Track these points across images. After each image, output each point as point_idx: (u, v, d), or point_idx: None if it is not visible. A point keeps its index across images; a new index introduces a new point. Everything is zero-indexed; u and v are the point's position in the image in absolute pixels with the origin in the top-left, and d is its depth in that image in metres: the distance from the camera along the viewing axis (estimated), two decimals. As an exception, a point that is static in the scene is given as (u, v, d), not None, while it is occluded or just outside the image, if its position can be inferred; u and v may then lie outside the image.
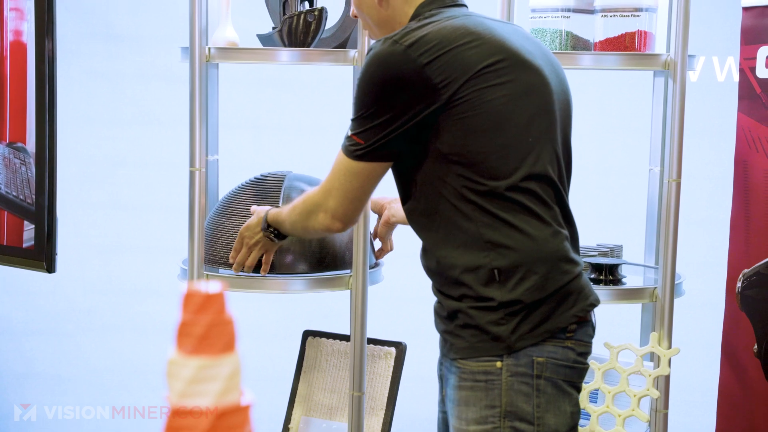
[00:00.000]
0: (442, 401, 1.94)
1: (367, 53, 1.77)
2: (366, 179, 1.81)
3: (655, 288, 2.47)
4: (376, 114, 1.74)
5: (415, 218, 1.84)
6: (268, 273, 2.33)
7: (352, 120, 1.78)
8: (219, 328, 0.95)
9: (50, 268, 2.42)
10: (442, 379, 1.91)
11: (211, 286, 0.96)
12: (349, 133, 1.78)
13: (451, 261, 1.76)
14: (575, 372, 1.78)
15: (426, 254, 1.85)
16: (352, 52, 2.45)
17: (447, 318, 1.82)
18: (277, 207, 2.17)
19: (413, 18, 1.83)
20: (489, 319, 1.74)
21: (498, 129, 1.71)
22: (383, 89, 1.73)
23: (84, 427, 3.41)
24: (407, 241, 3.21)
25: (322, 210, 1.85)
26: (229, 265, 2.32)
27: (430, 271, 1.86)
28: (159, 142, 3.47)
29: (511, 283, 1.73)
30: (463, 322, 1.77)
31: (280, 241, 2.13)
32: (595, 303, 1.81)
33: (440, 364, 1.91)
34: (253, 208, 2.21)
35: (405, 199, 1.85)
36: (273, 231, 2.09)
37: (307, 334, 2.69)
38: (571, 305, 1.77)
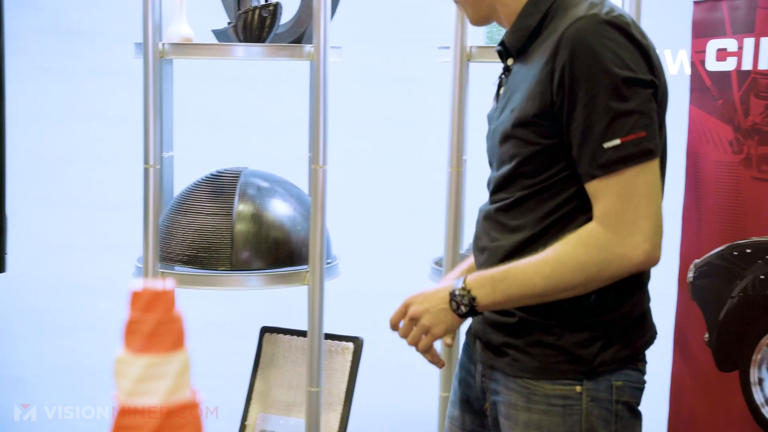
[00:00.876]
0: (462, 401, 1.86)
1: (571, 29, 1.55)
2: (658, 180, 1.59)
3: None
4: (637, 98, 1.55)
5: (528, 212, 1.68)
6: (225, 270, 2.33)
7: (618, 116, 1.53)
8: (167, 326, 0.95)
9: (1, 268, 2.39)
10: (472, 383, 1.82)
11: (158, 283, 0.95)
12: (617, 141, 1.53)
13: None
14: (643, 393, 1.73)
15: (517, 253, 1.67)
16: (307, 48, 2.45)
17: (513, 330, 1.69)
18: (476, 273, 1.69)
19: None
20: (573, 341, 1.64)
21: None
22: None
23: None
24: (365, 235, 3.22)
25: (628, 247, 1.55)
26: (184, 262, 2.32)
27: None
28: (113, 139, 3.45)
29: (606, 305, 1.65)
30: (537, 339, 1.66)
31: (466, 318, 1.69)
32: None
33: (481, 373, 1.78)
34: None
35: (527, 197, 1.67)
36: (470, 300, 1.65)
37: (264, 331, 2.69)
38: (648, 329, 1.73)
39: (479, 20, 1.80)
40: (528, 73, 1.65)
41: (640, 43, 1.57)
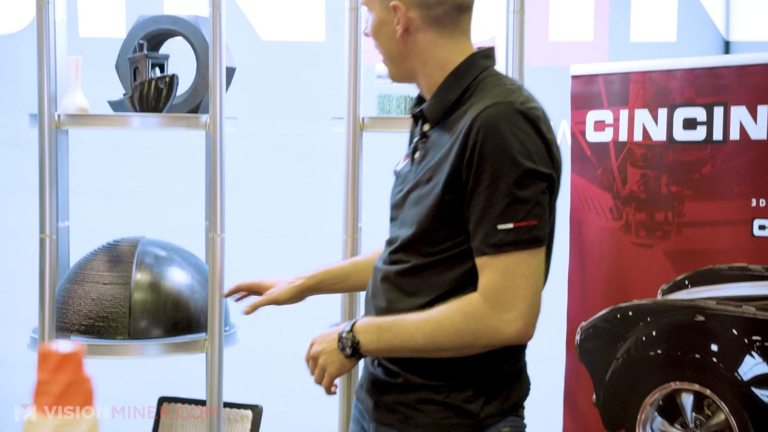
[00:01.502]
0: None
1: (486, 112, 1.63)
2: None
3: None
4: (538, 188, 1.65)
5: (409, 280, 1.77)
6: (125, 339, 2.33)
7: (515, 202, 1.62)
8: (77, 386, 0.97)
9: None
10: None
11: (67, 345, 0.98)
12: (510, 225, 1.63)
13: None
14: None
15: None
16: (204, 117, 2.50)
17: (402, 387, 1.78)
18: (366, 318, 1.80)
19: (464, 68, 1.76)
20: (460, 398, 1.73)
21: None
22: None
23: None
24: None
25: (503, 323, 1.65)
26: (81, 331, 2.31)
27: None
28: (8, 210, 3.41)
29: (488, 365, 1.74)
30: (425, 397, 1.75)
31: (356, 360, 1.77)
32: None
33: (374, 430, 1.84)
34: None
35: (427, 266, 1.75)
36: (352, 341, 1.75)
37: (162, 400, 2.68)
38: (525, 380, 1.84)
39: (398, 79, 1.88)
40: (443, 144, 1.73)
41: (545, 136, 1.67)
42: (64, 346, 0.98)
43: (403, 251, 1.79)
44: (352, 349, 1.74)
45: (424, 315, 1.70)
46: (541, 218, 1.66)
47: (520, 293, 1.65)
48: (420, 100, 1.89)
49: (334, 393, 1.84)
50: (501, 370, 1.77)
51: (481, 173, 1.64)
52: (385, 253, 1.86)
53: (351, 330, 1.74)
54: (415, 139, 1.85)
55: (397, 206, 1.85)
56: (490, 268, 1.65)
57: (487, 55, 1.80)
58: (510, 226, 1.63)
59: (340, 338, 1.75)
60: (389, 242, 1.86)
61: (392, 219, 1.88)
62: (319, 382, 1.80)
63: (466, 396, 1.74)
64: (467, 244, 1.71)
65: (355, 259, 2.22)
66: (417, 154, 1.82)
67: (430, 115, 1.79)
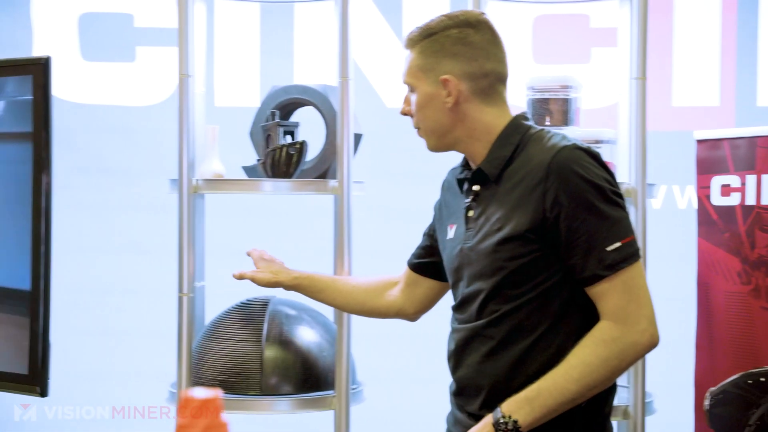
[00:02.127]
0: None
1: (558, 157, 1.80)
2: None
3: (627, 406, 2.57)
4: (621, 206, 1.83)
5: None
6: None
7: (613, 224, 1.78)
8: (214, 430, 1.04)
9: (44, 392, 2.48)
10: None
11: (205, 391, 1.05)
12: (618, 244, 1.77)
13: None
14: None
15: None
16: (332, 182, 2.59)
17: None
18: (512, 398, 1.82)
19: (512, 128, 1.92)
20: None
21: None
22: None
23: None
24: (389, 361, 3.29)
25: (637, 334, 1.77)
26: (216, 386, 2.40)
27: None
28: (147, 270, 3.57)
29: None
30: None
31: None
32: None
33: None
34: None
35: (515, 309, 1.86)
36: (515, 424, 1.79)
37: (290, 456, 2.74)
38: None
39: (439, 149, 2.01)
40: (508, 195, 1.87)
41: (607, 167, 1.86)
42: (203, 392, 1.05)
43: (490, 302, 1.88)
44: (513, 430, 1.78)
45: (563, 365, 1.78)
46: (634, 233, 1.82)
47: (641, 302, 1.78)
48: (466, 164, 2.02)
49: None
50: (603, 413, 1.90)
51: (573, 209, 1.78)
52: (463, 315, 1.94)
53: (503, 414, 1.79)
54: (466, 201, 1.97)
55: (461, 267, 1.95)
56: (609, 291, 1.78)
57: (525, 117, 1.97)
58: (618, 245, 1.77)
59: (497, 426, 1.79)
60: (464, 302, 1.95)
61: (456, 282, 1.99)
62: None
63: None
64: (550, 281, 1.83)
65: (338, 278, 2.43)
66: (471, 213, 1.95)
67: (491, 171, 1.92)
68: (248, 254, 2.46)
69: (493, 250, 1.86)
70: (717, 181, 2.65)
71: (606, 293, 1.78)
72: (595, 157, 1.84)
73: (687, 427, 2.75)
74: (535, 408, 1.77)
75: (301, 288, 2.36)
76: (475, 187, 1.96)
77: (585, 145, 1.86)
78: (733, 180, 2.61)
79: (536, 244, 1.82)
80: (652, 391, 2.68)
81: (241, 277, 2.40)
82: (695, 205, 2.75)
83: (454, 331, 1.98)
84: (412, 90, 1.97)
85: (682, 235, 3.26)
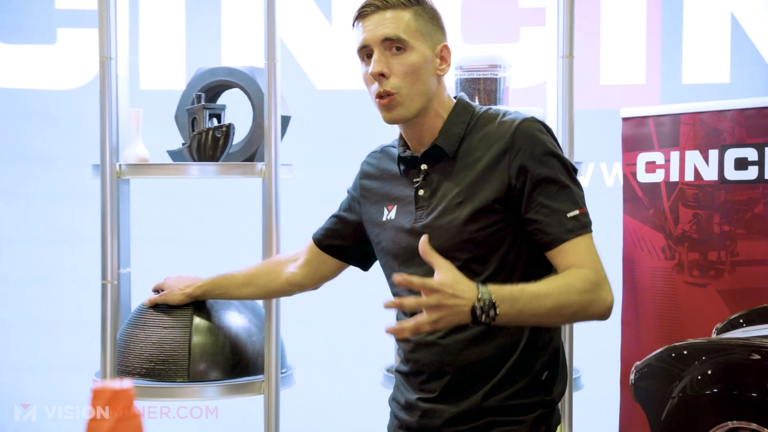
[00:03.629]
0: None
1: (521, 127, 1.84)
2: None
3: (555, 383, 2.59)
4: (577, 180, 1.87)
5: None
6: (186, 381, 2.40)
7: (572, 192, 1.83)
8: (127, 422, 1.02)
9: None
10: None
11: (117, 382, 1.03)
12: (576, 212, 1.81)
13: None
14: None
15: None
16: (259, 165, 2.57)
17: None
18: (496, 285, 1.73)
19: (462, 107, 1.95)
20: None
21: None
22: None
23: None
24: (319, 345, 3.29)
25: (604, 291, 1.79)
26: (142, 374, 2.37)
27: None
28: (72, 258, 3.51)
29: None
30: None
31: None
32: None
33: None
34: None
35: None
36: (494, 311, 1.68)
37: (221, 442, 2.72)
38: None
39: (410, 117, 1.93)
40: (468, 170, 1.88)
41: (557, 141, 1.92)
42: (115, 383, 1.03)
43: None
44: (491, 318, 1.67)
45: (547, 282, 1.76)
46: (587, 206, 1.85)
47: (602, 268, 1.81)
48: (405, 145, 2.00)
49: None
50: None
51: (537, 175, 1.82)
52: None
53: (492, 299, 1.67)
54: (416, 180, 1.95)
55: (411, 246, 1.89)
56: (572, 250, 1.80)
57: (466, 98, 2.01)
58: (576, 212, 1.82)
59: (480, 304, 1.66)
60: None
61: (406, 261, 1.93)
62: (417, 331, 1.67)
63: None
64: (511, 253, 1.86)
65: (235, 272, 2.40)
66: (422, 192, 1.93)
67: (448, 147, 1.93)
68: (157, 289, 2.49)
69: (461, 224, 1.86)
70: (642, 158, 2.68)
71: (569, 252, 1.80)
72: (550, 131, 1.90)
73: (613, 402, 2.79)
74: (515, 307, 1.69)
75: (208, 294, 2.42)
76: (423, 166, 1.95)
77: (541, 119, 1.92)
78: (658, 157, 2.64)
79: (501, 214, 1.85)
80: (579, 367, 2.71)
81: (152, 303, 2.46)
82: (622, 182, 2.78)
83: (408, 312, 1.89)
84: (400, 50, 1.89)
85: (610, 212, 3.30)
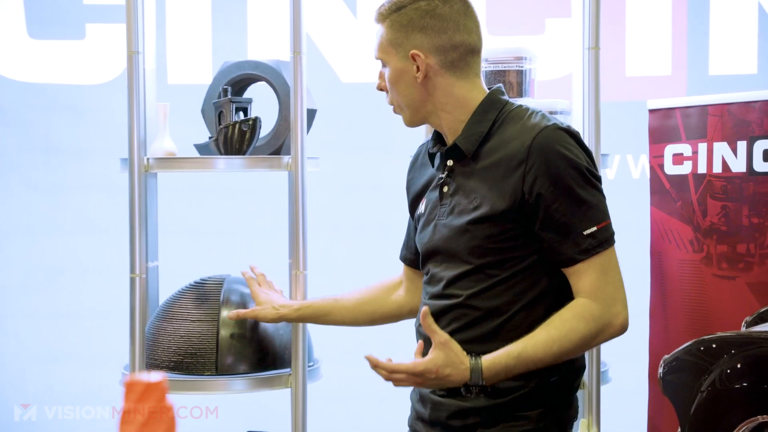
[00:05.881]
0: None
1: (539, 137, 1.80)
2: None
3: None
4: (599, 189, 1.84)
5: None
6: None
7: (590, 208, 1.80)
8: (159, 415, 1.03)
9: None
10: None
11: (151, 375, 1.04)
12: (594, 228, 1.79)
13: None
14: None
15: None
16: (285, 158, 2.57)
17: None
18: (491, 354, 1.80)
19: (489, 103, 1.91)
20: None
21: None
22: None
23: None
24: (346, 338, 3.30)
25: (612, 316, 1.80)
26: (170, 368, 2.39)
27: None
28: (99, 250, 3.54)
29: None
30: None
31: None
32: None
33: None
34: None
35: (493, 285, 1.86)
36: (481, 388, 1.83)
37: (249, 434, 2.74)
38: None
39: (415, 124, 1.99)
40: (486, 173, 1.86)
41: (586, 147, 1.86)
42: (148, 376, 1.04)
43: (464, 279, 1.87)
44: (478, 395, 1.83)
45: (545, 337, 1.79)
46: (609, 217, 1.83)
47: (617, 286, 1.81)
48: (438, 139, 1.99)
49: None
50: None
51: (552, 191, 1.78)
52: (435, 288, 1.93)
53: (484, 383, 1.79)
54: (441, 175, 1.95)
55: (434, 241, 1.94)
56: (586, 272, 1.80)
57: (501, 92, 1.96)
58: (594, 229, 1.79)
59: (468, 387, 1.82)
60: (436, 279, 1.93)
61: (430, 256, 1.96)
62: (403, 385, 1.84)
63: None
64: (528, 259, 1.84)
65: (338, 297, 2.29)
66: (446, 189, 1.93)
67: (467, 147, 1.90)
68: (245, 275, 2.40)
69: (465, 228, 1.85)
70: (669, 150, 2.66)
71: (582, 274, 1.80)
72: (575, 137, 1.84)
73: (642, 396, 2.78)
74: (509, 375, 1.80)
75: (305, 317, 2.31)
76: (449, 162, 1.94)
77: (565, 124, 1.86)
78: (685, 149, 2.63)
79: (512, 224, 1.82)
80: (607, 360, 2.70)
81: (239, 317, 2.34)
82: (648, 174, 2.77)
83: (423, 304, 1.96)
84: (384, 65, 1.96)
85: (636, 204, 3.29)
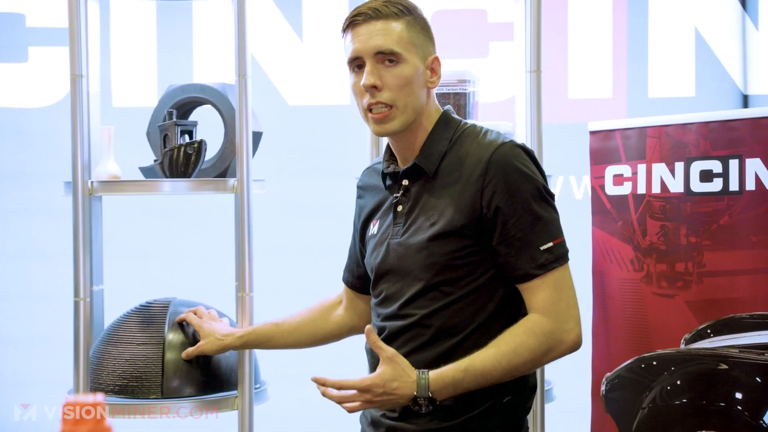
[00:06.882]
0: None
1: (497, 153, 1.81)
2: None
3: (527, 394, 2.61)
4: (553, 206, 1.86)
5: None
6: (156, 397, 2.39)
7: (546, 224, 1.81)
8: (100, 436, 1.03)
9: None
10: None
11: (89, 397, 1.04)
12: (550, 244, 1.80)
13: None
14: None
15: None
16: (231, 181, 2.58)
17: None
18: (438, 368, 1.81)
19: (444, 122, 1.92)
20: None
21: None
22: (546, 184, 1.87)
23: None
24: (292, 358, 3.30)
25: (565, 333, 1.81)
26: (115, 392, 2.38)
27: None
28: (44, 275, 3.50)
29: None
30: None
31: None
32: None
33: None
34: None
35: (450, 303, 1.86)
36: (430, 401, 1.80)
37: (195, 458, 2.72)
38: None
39: (401, 130, 1.92)
40: (444, 190, 1.86)
41: (540, 165, 1.89)
42: (86, 398, 1.03)
43: (421, 298, 1.87)
44: (428, 408, 1.80)
45: (494, 351, 1.79)
46: (563, 234, 1.84)
47: (570, 302, 1.82)
48: (390, 159, 1.99)
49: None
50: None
51: (509, 206, 1.79)
52: (389, 309, 1.92)
53: (430, 395, 1.79)
54: (396, 195, 1.95)
55: (386, 261, 1.93)
56: (540, 288, 1.80)
57: (453, 111, 1.98)
58: (550, 245, 1.81)
59: (417, 401, 1.80)
60: (390, 298, 1.93)
61: (382, 276, 1.96)
62: (355, 410, 1.84)
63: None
64: (484, 276, 1.84)
65: (279, 321, 2.29)
66: (401, 208, 1.93)
67: (427, 166, 1.90)
68: (181, 321, 2.44)
69: (424, 245, 1.85)
70: (610, 171, 2.72)
71: (537, 290, 1.81)
72: (531, 155, 1.87)
73: (585, 413, 2.82)
74: (458, 389, 1.79)
75: (248, 344, 2.34)
76: (405, 182, 1.95)
77: (521, 142, 1.89)
78: (625, 169, 2.68)
79: (470, 239, 1.83)
80: (551, 379, 2.74)
81: (188, 356, 2.38)
82: (590, 194, 2.81)
83: (376, 327, 1.95)
84: (393, 62, 1.88)
85: (579, 224, 3.34)
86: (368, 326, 1.84)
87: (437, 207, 1.87)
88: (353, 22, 1.90)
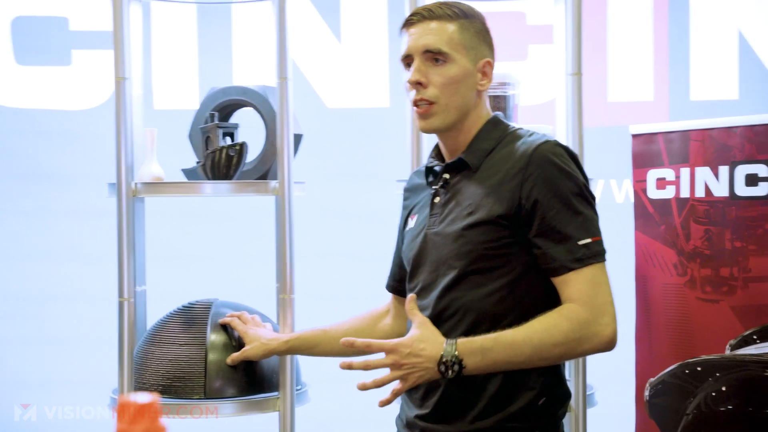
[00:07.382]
0: None
1: (540, 149, 1.84)
2: None
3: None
4: (593, 207, 1.87)
5: None
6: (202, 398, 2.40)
7: (586, 220, 1.82)
8: (155, 436, 1.04)
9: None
10: None
11: (143, 396, 1.05)
12: (588, 240, 1.81)
13: None
14: None
15: None
16: (272, 183, 2.59)
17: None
18: (466, 338, 1.81)
19: (493, 124, 1.96)
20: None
21: None
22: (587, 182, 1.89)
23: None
24: (334, 362, 3.31)
25: (600, 326, 1.78)
26: (159, 391, 2.39)
27: None
28: (88, 276, 3.54)
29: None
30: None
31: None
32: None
33: None
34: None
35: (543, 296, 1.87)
36: (459, 366, 1.78)
37: (236, 459, 2.73)
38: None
39: (444, 129, 1.97)
40: (484, 182, 1.89)
41: (582, 168, 1.91)
42: (140, 397, 1.04)
43: (455, 286, 1.88)
44: (456, 372, 1.77)
45: (527, 326, 1.78)
46: (601, 234, 1.84)
47: (607, 299, 1.80)
48: (437, 156, 2.03)
49: (389, 403, 1.85)
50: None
51: (549, 199, 1.81)
52: (426, 300, 1.93)
53: (457, 354, 1.77)
54: (433, 188, 1.99)
55: (422, 252, 1.96)
56: (576, 281, 1.79)
57: (502, 116, 2.03)
58: (589, 241, 1.81)
59: (443, 361, 1.77)
60: (426, 288, 1.94)
61: (418, 267, 1.98)
62: (380, 385, 1.82)
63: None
64: (519, 269, 1.85)
65: (327, 328, 2.30)
66: (438, 199, 1.96)
67: (472, 161, 1.94)
68: (225, 324, 2.45)
69: (460, 234, 1.87)
70: (652, 175, 2.70)
71: (573, 282, 1.80)
72: (574, 157, 1.89)
73: (628, 419, 2.80)
74: (486, 358, 1.77)
75: (294, 350, 2.34)
76: (446, 176, 1.98)
77: (565, 144, 1.92)
78: (668, 173, 2.66)
79: (507, 230, 1.84)
80: (593, 383, 2.72)
81: (234, 360, 2.39)
82: (632, 198, 2.79)
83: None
84: (440, 61, 1.92)
85: (620, 228, 3.31)
86: (411, 295, 1.87)
87: (475, 197, 1.89)
88: (409, 21, 1.97)
